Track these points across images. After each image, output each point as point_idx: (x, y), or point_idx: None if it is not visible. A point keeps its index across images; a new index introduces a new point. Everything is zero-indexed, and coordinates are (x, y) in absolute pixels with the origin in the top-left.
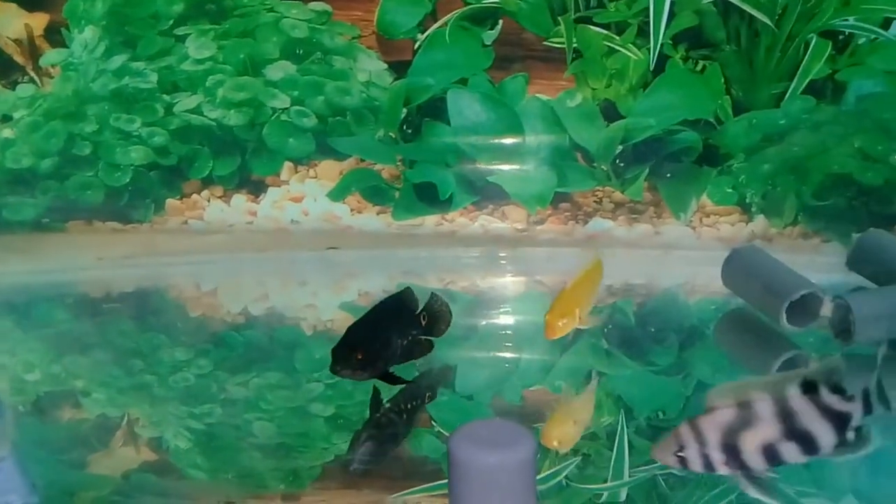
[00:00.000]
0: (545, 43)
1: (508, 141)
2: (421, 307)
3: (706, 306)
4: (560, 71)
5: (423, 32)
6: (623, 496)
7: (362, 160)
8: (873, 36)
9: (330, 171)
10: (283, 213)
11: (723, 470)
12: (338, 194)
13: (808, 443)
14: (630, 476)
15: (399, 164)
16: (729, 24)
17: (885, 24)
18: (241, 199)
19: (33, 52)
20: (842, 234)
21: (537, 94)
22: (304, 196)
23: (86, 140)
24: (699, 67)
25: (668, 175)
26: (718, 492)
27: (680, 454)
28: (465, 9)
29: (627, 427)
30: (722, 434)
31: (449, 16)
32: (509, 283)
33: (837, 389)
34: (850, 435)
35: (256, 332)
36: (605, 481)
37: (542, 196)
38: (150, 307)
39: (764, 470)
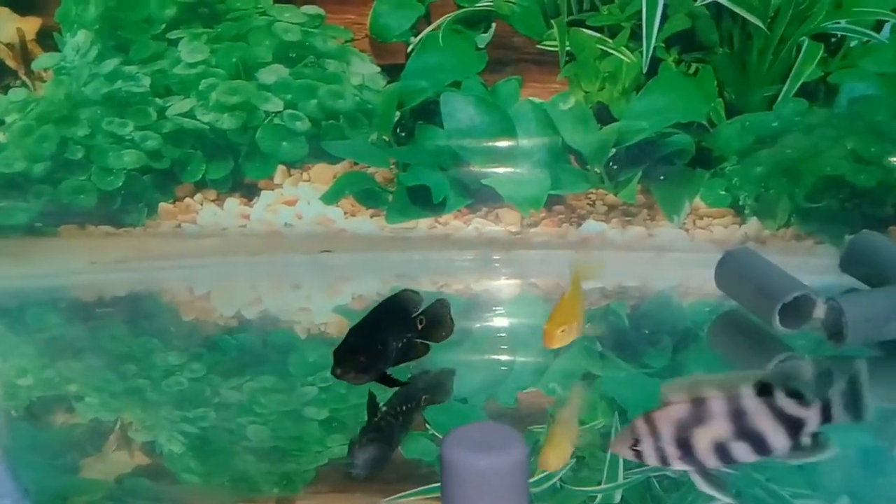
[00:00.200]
0: (538, 46)
1: (502, 144)
2: (421, 310)
3: (700, 308)
4: (553, 74)
5: (416, 36)
6: (617, 498)
7: (356, 163)
8: (865, 38)
9: (323, 174)
10: (277, 216)
11: (677, 465)
12: (331, 198)
13: (759, 443)
14: (624, 478)
15: (392, 167)
16: (721, 26)
17: (877, 26)
18: (234, 203)
19: (25, 57)
20: (834, 236)
21: (530, 97)
22: (298, 199)
23: (78, 144)
24: (692, 70)
25: (662, 177)
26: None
27: (636, 448)
28: (458, 12)
29: (622, 429)
30: (675, 429)
31: (442, 19)
32: (503, 285)
33: (794, 394)
34: (806, 440)
35: (250, 336)
36: (600, 483)
37: (535, 199)
38: (143, 311)
39: (717, 467)
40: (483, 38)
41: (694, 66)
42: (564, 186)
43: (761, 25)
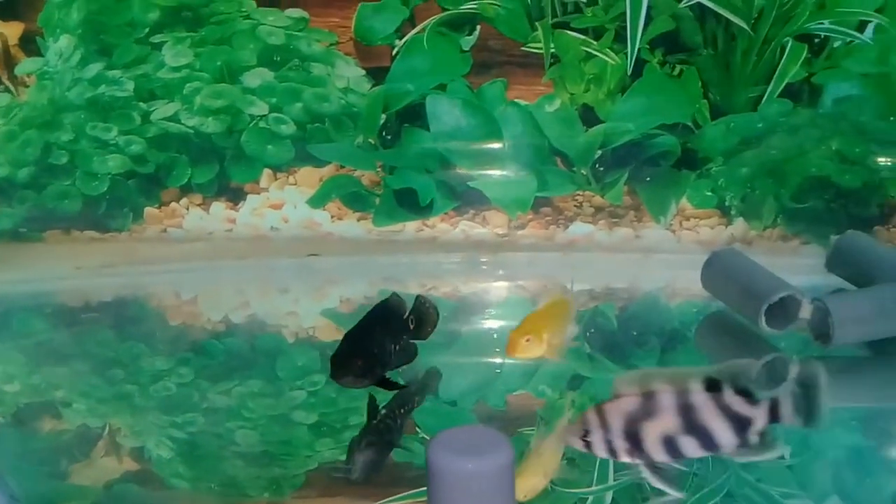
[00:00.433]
0: (523, 48)
1: (488, 146)
2: (408, 311)
3: (687, 309)
4: (538, 76)
5: (400, 38)
6: (608, 500)
7: (342, 167)
8: (849, 39)
9: (309, 177)
10: (263, 220)
11: (625, 457)
12: (318, 201)
13: (706, 439)
14: (615, 480)
15: (379, 170)
16: (705, 28)
17: (861, 27)
18: (220, 207)
19: (8, 62)
20: (820, 236)
21: (516, 100)
22: (284, 203)
23: (62, 149)
24: (676, 72)
25: (648, 179)
26: (703, 495)
27: (586, 439)
28: (442, 15)
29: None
30: (625, 422)
31: (427, 22)
32: (491, 288)
33: (743, 392)
34: (753, 438)
35: (237, 341)
36: (591, 485)
37: (522, 201)
38: (129, 316)
39: (665, 461)
40: (468, 41)
41: (678, 67)
42: (551, 188)
43: (745, 26)
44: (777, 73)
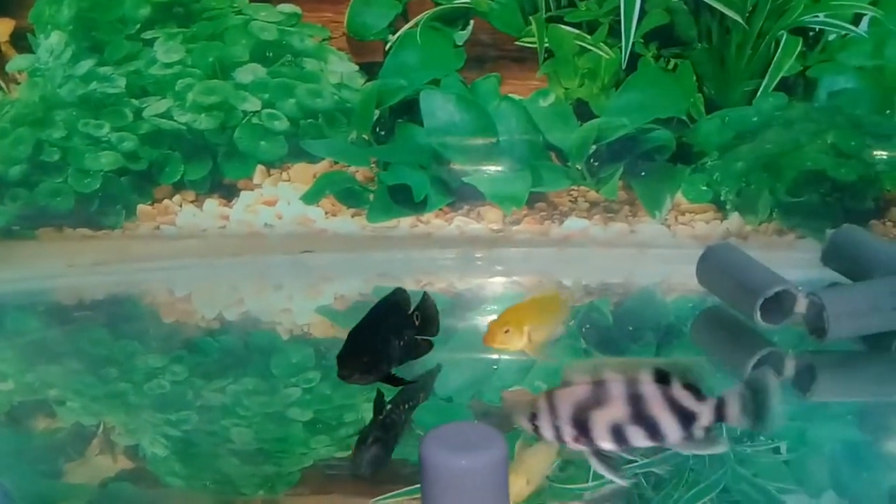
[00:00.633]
0: (517, 43)
1: (482, 141)
2: (413, 307)
3: (683, 304)
4: (532, 71)
5: (394, 33)
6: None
7: (336, 163)
8: (843, 32)
9: (303, 173)
10: (257, 216)
11: (572, 444)
12: (312, 197)
13: (653, 429)
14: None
15: (373, 166)
16: (700, 21)
17: (856, 20)
18: (213, 204)
19: None
20: (816, 230)
21: (510, 94)
22: (278, 199)
23: (54, 146)
24: (671, 66)
25: (643, 174)
26: (697, 490)
27: (535, 423)
28: (435, 9)
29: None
30: (573, 409)
31: (420, 16)
32: (486, 283)
33: (690, 387)
34: (699, 433)
35: (232, 338)
36: (587, 482)
37: (517, 196)
38: (123, 314)
39: (612, 448)
40: (461, 36)
41: (673, 61)
42: (546, 184)
43: (739, 20)
44: (772, 66)
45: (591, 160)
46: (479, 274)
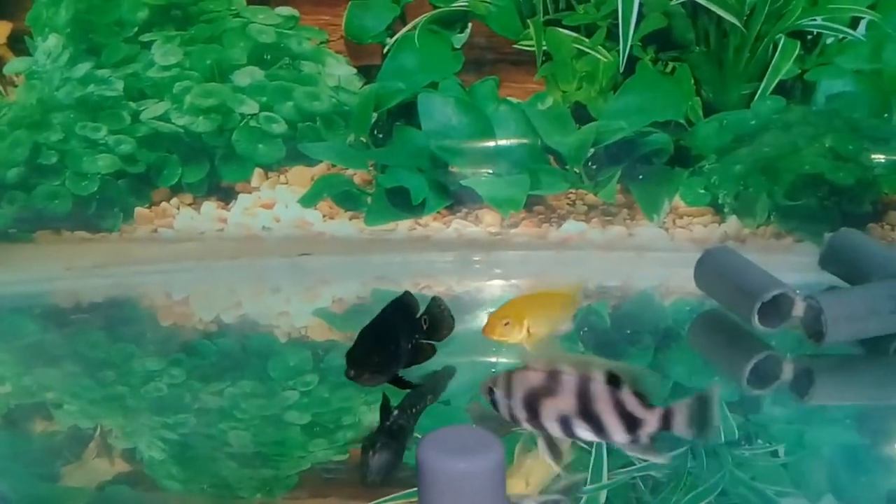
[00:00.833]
0: (515, 46)
1: (480, 144)
2: (422, 311)
3: (680, 307)
4: (530, 74)
5: (391, 36)
6: (602, 499)
7: (333, 165)
8: (841, 35)
9: (301, 176)
10: (255, 219)
11: (525, 426)
12: (309, 200)
13: (598, 427)
14: (609, 479)
15: (371, 168)
16: (698, 25)
17: (853, 23)
18: (211, 207)
19: None
20: (814, 233)
21: (508, 98)
22: (276, 202)
23: (52, 149)
24: (669, 69)
25: (641, 177)
26: (696, 494)
27: (492, 397)
28: (433, 12)
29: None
30: (526, 393)
31: (418, 19)
32: (484, 286)
33: (639, 394)
34: (644, 439)
35: (229, 341)
36: (584, 484)
37: (515, 199)
38: (120, 317)
39: (560, 437)
40: (459, 39)
41: (671, 64)
42: (544, 187)
43: (737, 23)
44: (770, 69)
45: (589, 163)
46: (478, 277)
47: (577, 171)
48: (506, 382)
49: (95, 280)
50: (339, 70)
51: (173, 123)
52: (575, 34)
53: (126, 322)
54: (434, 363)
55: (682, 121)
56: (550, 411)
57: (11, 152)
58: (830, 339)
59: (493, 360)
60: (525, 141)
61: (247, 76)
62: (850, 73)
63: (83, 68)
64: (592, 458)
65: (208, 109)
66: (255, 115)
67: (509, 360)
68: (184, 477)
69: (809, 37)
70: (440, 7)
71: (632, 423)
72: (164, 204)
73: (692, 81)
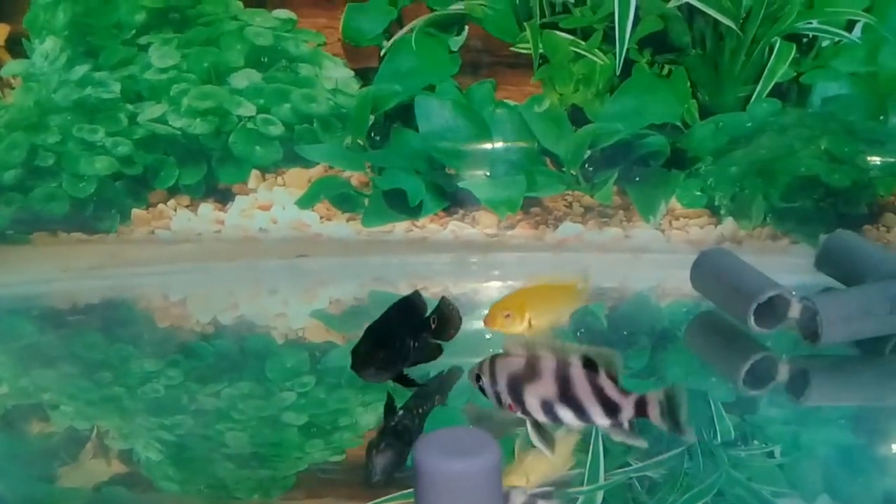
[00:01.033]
0: (512, 49)
1: (477, 147)
2: (431, 311)
3: (677, 309)
4: (527, 76)
5: (388, 39)
6: (599, 500)
7: (331, 167)
8: (837, 38)
9: (298, 178)
10: (252, 221)
11: (512, 410)
12: (306, 202)
13: (580, 411)
14: (605, 479)
15: (368, 170)
16: (694, 28)
17: (849, 26)
18: (208, 208)
19: None
20: (810, 235)
21: (505, 100)
22: (273, 204)
23: (49, 151)
24: (665, 72)
25: (637, 179)
26: (692, 494)
27: (479, 384)
28: (430, 15)
29: (601, 431)
30: (509, 379)
31: (415, 22)
32: (481, 288)
33: (614, 378)
34: (624, 424)
35: (226, 342)
36: (581, 485)
37: (512, 201)
38: (117, 318)
39: (546, 422)
40: (456, 41)
41: (667, 67)
42: (541, 189)
43: (733, 26)
44: (766, 72)
45: (586, 165)
46: (474, 278)
47: (574, 174)
48: (490, 369)
49: (92, 281)
50: (337, 72)
51: (170, 125)
52: (571, 37)
53: (123, 323)
54: (439, 364)
55: (678, 123)
56: (533, 396)
57: (9, 154)
58: (826, 340)
59: None
60: (522, 143)
61: (244, 79)
62: (845, 75)
63: (80, 70)
64: (589, 459)
65: (205, 112)
66: (252, 117)
67: None
68: (181, 478)
69: (805, 40)
70: (437, 10)
71: (610, 408)
72: (161, 206)
73: (688, 84)
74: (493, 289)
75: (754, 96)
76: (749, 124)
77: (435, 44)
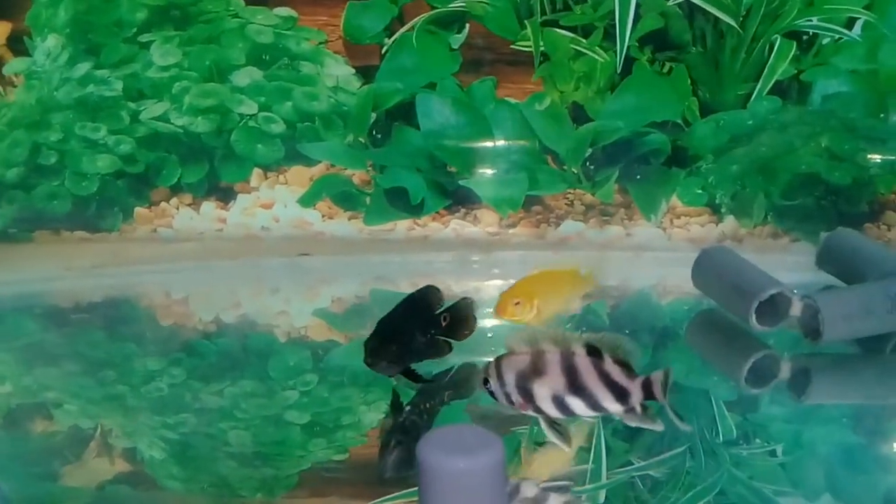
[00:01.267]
0: (512, 46)
1: (478, 145)
2: (444, 308)
3: (678, 307)
4: (528, 74)
5: (390, 37)
6: (601, 498)
7: (332, 166)
8: (837, 36)
9: (300, 176)
10: (254, 219)
11: (523, 409)
12: (308, 200)
13: (591, 401)
14: (608, 478)
15: (369, 169)
16: (694, 25)
17: (849, 23)
18: (210, 207)
19: None
20: (811, 233)
21: (506, 98)
22: (275, 202)
23: (51, 149)
24: (666, 69)
25: (638, 177)
26: (694, 493)
27: (487, 386)
28: (431, 13)
29: (604, 429)
30: (517, 377)
31: (416, 20)
32: (483, 286)
33: (620, 363)
34: (637, 408)
35: (229, 341)
36: (584, 483)
37: (513, 199)
38: (120, 317)
39: (558, 416)
40: (457, 39)
41: (668, 65)
42: (542, 187)
43: (734, 24)
44: (766, 70)
45: (587, 163)
46: (476, 277)
47: (575, 172)
48: (496, 370)
49: (95, 280)
50: (338, 70)
51: (172, 124)
52: (572, 35)
53: (126, 322)
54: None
55: (679, 121)
56: (543, 392)
57: (11, 152)
58: (827, 338)
59: (492, 359)
60: (523, 141)
61: (245, 76)
62: (846, 73)
63: (82, 68)
64: (591, 458)
65: (207, 110)
66: (253, 115)
67: None
68: (184, 476)
69: (805, 37)
70: (438, 7)
71: (620, 393)
72: (163, 204)
73: (689, 82)
74: (495, 287)
75: (755, 94)
76: (750, 122)
77: (436, 41)
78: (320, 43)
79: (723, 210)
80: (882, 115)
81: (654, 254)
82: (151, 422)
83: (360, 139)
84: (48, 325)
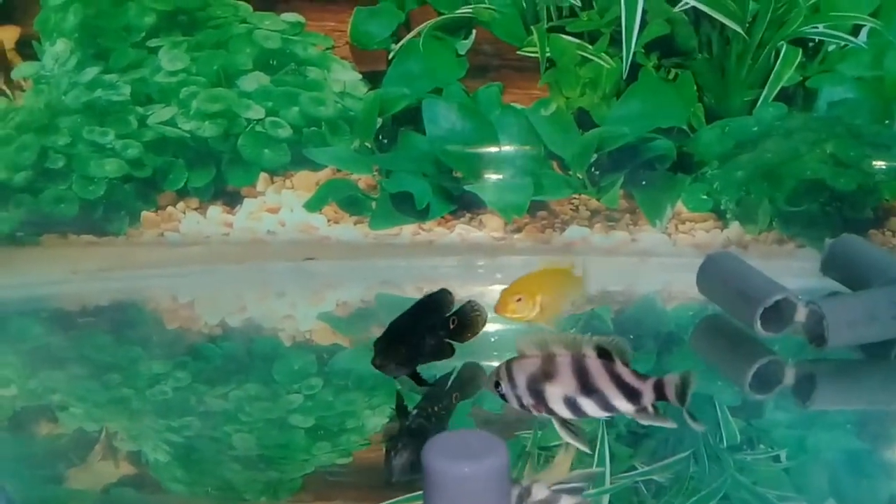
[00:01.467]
0: (519, 52)
1: (484, 150)
2: (453, 311)
3: (683, 313)
4: (534, 80)
5: (396, 42)
6: (605, 503)
7: (338, 170)
8: (843, 43)
9: (306, 181)
10: (260, 224)
11: (535, 411)
12: (314, 205)
13: (603, 402)
14: (611, 483)
15: (375, 173)
16: (700, 32)
17: (855, 31)
18: (216, 211)
19: (5, 66)
20: (816, 239)
21: (512, 103)
22: (281, 207)
23: (59, 153)
24: (671, 75)
25: (643, 182)
26: (698, 498)
27: (498, 389)
28: (438, 19)
29: (608, 434)
30: (528, 380)
31: (422, 26)
32: (487, 291)
33: (627, 363)
34: (649, 408)
35: (234, 344)
36: (588, 488)
37: (518, 205)
38: (126, 320)
39: (571, 418)
40: (464, 45)
41: (673, 71)
42: (547, 192)
43: (740, 31)
44: (772, 76)
45: (593, 169)
46: (481, 281)
47: (581, 177)
48: (507, 373)
49: (101, 283)
50: (345, 76)
51: (180, 128)
52: (578, 41)
53: (132, 325)
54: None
55: (684, 127)
56: (555, 394)
57: (19, 156)
58: (832, 344)
59: (493, 364)
60: (528, 147)
61: (253, 81)
62: (851, 80)
63: (91, 73)
64: (595, 463)
65: (214, 114)
66: (260, 120)
67: None
68: (189, 480)
69: (811, 44)
70: (445, 13)
71: (631, 394)
72: (170, 208)
73: (695, 88)
74: (499, 292)
75: (760, 100)
76: (755, 128)
77: (442, 47)
78: (327, 48)
79: (728, 216)
80: (887, 122)
81: (660, 259)
82: (156, 425)
83: (367, 144)
84: (55, 329)
